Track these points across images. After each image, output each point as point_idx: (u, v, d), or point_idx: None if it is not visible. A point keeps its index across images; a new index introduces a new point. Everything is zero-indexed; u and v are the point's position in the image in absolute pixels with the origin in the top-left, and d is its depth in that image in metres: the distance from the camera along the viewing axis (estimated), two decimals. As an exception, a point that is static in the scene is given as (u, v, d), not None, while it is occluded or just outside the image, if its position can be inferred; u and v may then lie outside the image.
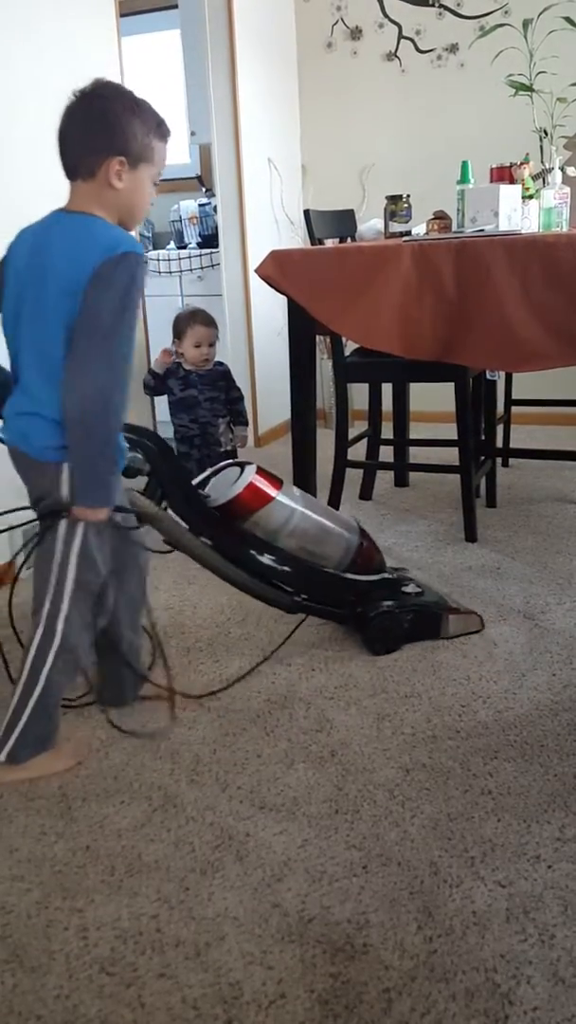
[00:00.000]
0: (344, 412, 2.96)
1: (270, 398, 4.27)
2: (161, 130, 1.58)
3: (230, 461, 2.08)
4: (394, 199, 2.73)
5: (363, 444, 3.30)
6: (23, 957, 1.27)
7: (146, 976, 1.23)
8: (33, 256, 1.55)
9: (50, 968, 1.25)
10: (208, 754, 1.75)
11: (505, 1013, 1.15)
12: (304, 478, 2.59)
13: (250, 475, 1.96)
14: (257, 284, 4.09)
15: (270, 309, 4.28)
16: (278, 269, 2.38)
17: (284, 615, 2.37)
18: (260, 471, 2.01)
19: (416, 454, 3.57)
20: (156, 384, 3.08)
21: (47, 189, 2.75)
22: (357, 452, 3.13)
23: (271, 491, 1.99)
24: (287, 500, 2.01)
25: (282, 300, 4.41)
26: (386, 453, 3.42)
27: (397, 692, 1.96)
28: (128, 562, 1.78)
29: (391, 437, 3.32)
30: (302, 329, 2.46)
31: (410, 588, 2.16)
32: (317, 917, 1.33)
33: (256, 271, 2.42)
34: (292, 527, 2.01)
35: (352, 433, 3.03)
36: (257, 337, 4.17)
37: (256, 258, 4.03)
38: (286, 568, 2.01)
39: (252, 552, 1.96)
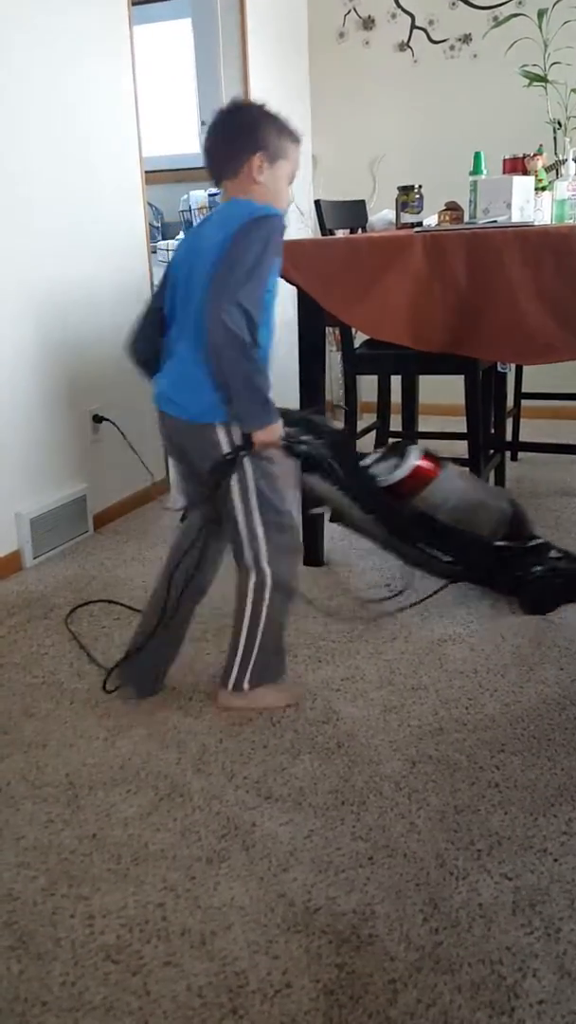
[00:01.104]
0: (353, 404, 2.95)
1: (279, 391, 4.25)
2: (293, 134, 1.76)
3: (396, 443, 2.19)
4: (405, 189, 2.71)
5: (371, 437, 3.29)
6: (29, 944, 1.27)
7: (152, 964, 1.23)
8: (190, 247, 1.75)
9: (56, 955, 1.25)
10: (214, 744, 1.75)
11: (511, 1005, 1.15)
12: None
13: (415, 458, 2.06)
14: (266, 275, 4.08)
15: (280, 300, 4.25)
16: (289, 260, 2.35)
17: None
18: (425, 453, 2.11)
19: (424, 447, 3.55)
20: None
21: (57, 179, 2.76)
22: (365, 445, 3.11)
23: (434, 470, 2.07)
24: (449, 478, 2.11)
25: (291, 291, 4.41)
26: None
27: (404, 684, 1.96)
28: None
29: (400, 430, 3.31)
30: (312, 320, 2.44)
31: (554, 553, 2.25)
32: (323, 907, 1.33)
33: (266, 261, 2.40)
34: (453, 502, 2.09)
35: (360, 426, 3.02)
36: (266, 328, 4.15)
37: (266, 249, 4.02)
38: (446, 539, 2.11)
39: (418, 527, 2.07)
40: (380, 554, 2.50)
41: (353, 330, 2.85)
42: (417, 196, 2.69)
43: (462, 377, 2.50)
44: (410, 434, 3.31)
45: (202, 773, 1.66)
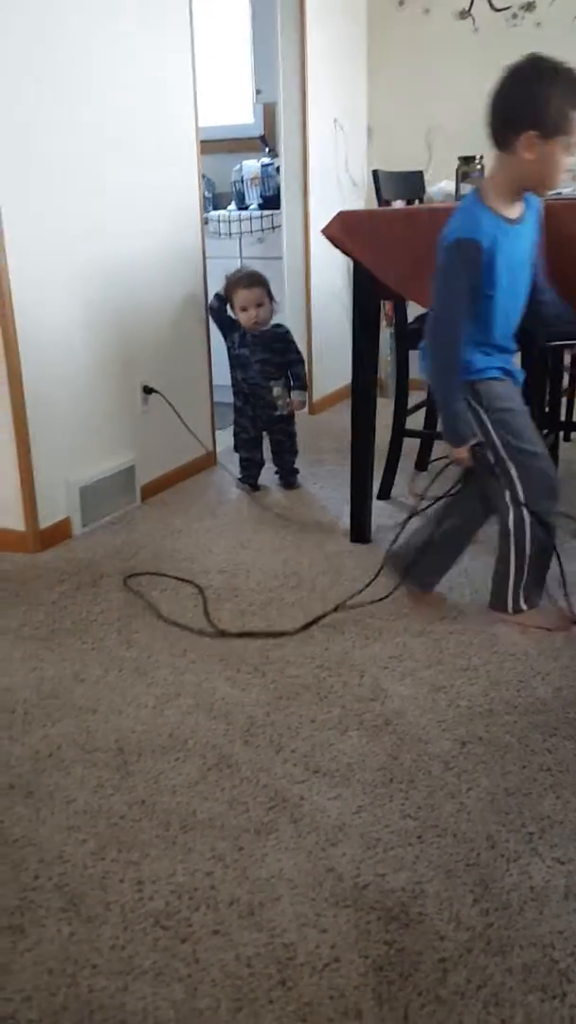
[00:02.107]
0: (404, 381, 2.91)
1: (326, 365, 4.22)
2: None
3: None
4: (467, 160, 2.64)
5: (420, 414, 3.24)
6: (79, 906, 1.28)
7: (200, 932, 1.24)
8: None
9: (106, 919, 1.26)
10: (262, 716, 1.75)
11: (563, 990, 1.13)
12: (363, 447, 2.55)
13: None
14: (317, 247, 4.02)
15: (330, 274, 4.21)
16: (345, 230, 2.31)
17: (337, 582, 2.35)
18: None
19: None
20: (218, 309, 3.05)
21: (114, 148, 2.74)
22: (414, 422, 3.07)
23: None
24: None
25: (342, 265, 4.37)
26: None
27: (453, 664, 1.94)
28: None
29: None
30: (367, 294, 2.40)
31: None
32: (372, 884, 1.32)
33: (322, 232, 2.36)
34: None
35: (409, 403, 2.98)
36: (315, 302, 4.11)
37: (318, 220, 3.96)
38: None
39: None
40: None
41: (407, 305, 2.81)
42: (478, 167, 2.62)
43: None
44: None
45: (250, 745, 1.66)
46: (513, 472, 1.96)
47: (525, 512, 1.98)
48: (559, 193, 2.26)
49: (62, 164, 2.53)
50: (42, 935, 1.23)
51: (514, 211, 1.84)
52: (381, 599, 2.19)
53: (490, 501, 2.06)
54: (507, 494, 1.98)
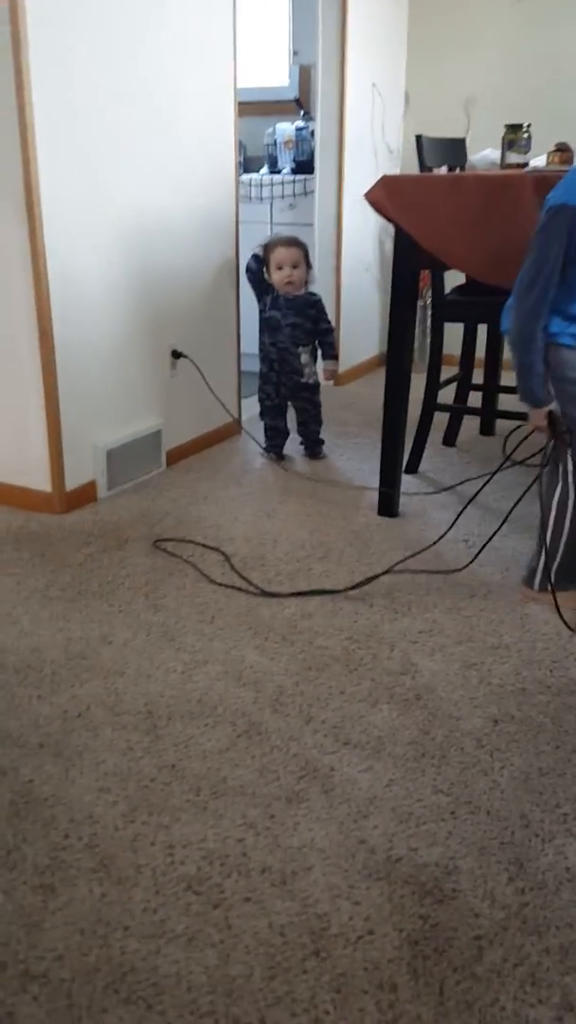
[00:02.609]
0: (438, 353, 2.86)
1: (354, 336, 4.17)
2: None
3: None
4: (513, 128, 2.57)
5: (450, 389, 3.19)
6: (110, 868, 1.27)
7: (232, 899, 1.22)
8: None
9: (137, 881, 1.25)
10: (291, 686, 1.73)
11: (602, 974, 1.11)
12: (396, 420, 2.51)
13: None
14: (350, 215, 3.95)
15: (361, 243, 4.14)
16: (388, 195, 2.26)
17: (365, 554, 2.33)
18: None
19: (504, 403, 3.45)
20: (256, 270, 3.00)
21: (151, 109, 2.67)
22: (444, 397, 3.03)
23: None
24: None
25: (374, 234, 4.29)
26: (473, 400, 3.31)
27: (484, 642, 1.91)
28: None
29: (481, 383, 3.21)
30: (407, 262, 2.34)
31: None
32: (404, 858, 1.30)
33: (365, 196, 2.30)
34: None
35: (441, 377, 2.93)
36: (346, 271, 4.04)
37: (352, 187, 3.89)
38: None
39: None
40: (454, 509, 2.44)
41: (444, 275, 2.75)
42: (525, 135, 2.55)
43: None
44: (492, 388, 3.21)
45: (279, 714, 1.64)
46: (568, 446, 1.93)
47: (572, 489, 1.95)
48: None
49: (101, 122, 2.47)
50: (73, 895, 1.22)
51: None
52: (452, 571, 2.16)
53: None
54: (559, 466, 1.97)
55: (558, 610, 1.98)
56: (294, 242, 2.94)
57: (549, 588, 2.02)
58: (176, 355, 2.95)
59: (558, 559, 2.03)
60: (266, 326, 3.02)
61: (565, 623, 1.97)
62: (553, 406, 1.92)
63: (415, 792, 1.44)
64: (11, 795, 1.42)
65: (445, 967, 1.12)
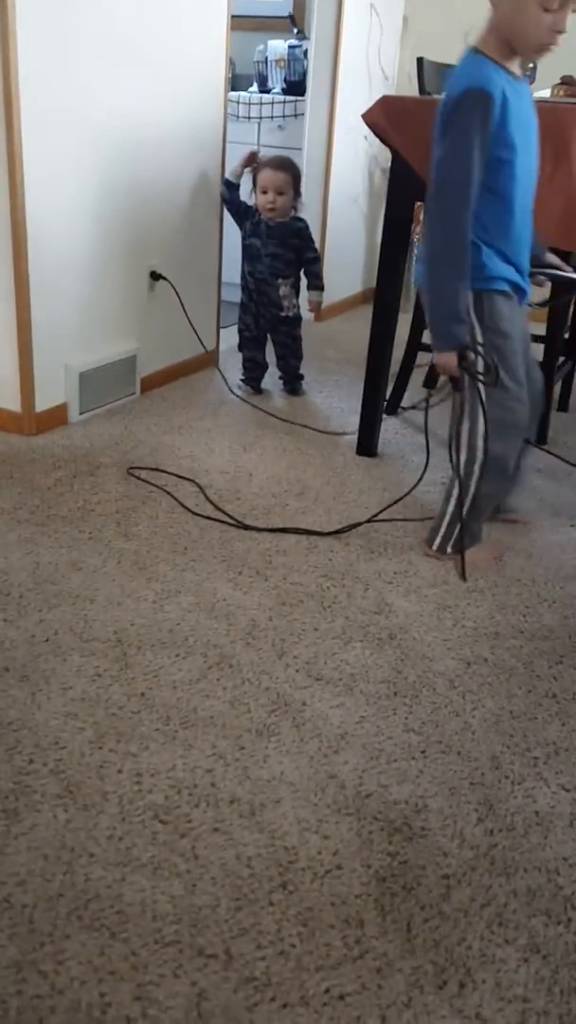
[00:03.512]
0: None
1: (337, 271, 4.06)
2: None
3: None
4: (519, 57, 2.47)
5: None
6: (76, 794, 1.24)
7: (200, 829, 1.20)
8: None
9: (103, 808, 1.22)
10: (264, 620, 1.70)
11: (568, 916, 1.12)
12: (380, 360, 2.44)
13: None
14: (341, 142, 3.82)
15: (351, 173, 4.01)
16: (387, 117, 2.15)
17: (343, 493, 2.29)
18: None
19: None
20: (230, 198, 2.90)
21: (141, 15, 2.51)
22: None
23: None
24: None
25: (364, 164, 4.15)
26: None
27: (459, 585, 1.89)
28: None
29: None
30: (403, 193, 2.25)
31: None
32: (374, 794, 1.29)
33: (363, 116, 2.20)
34: None
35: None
36: (333, 202, 3.92)
37: (344, 112, 3.75)
38: None
39: None
40: (433, 450, 2.41)
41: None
42: (531, 65, 2.44)
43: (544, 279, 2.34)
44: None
45: (251, 647, 1.61)
46: (483, 407, 1.77)
47: (481, 454, 1.81)
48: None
49: (84, 28, 2.32)
50: (37, 820, 1.19)
51: (515, 67, 1.66)
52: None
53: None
54: (466, 428, 1.80)
55: (462, 572, 1.92)
56: (283, 165, 2.81)
57: (447, 552, 1.96)
58: (155, 277, 2.85)
59: (459, 527, 1.92)
60: (246, 254, 2.91)
61: (462, 575, 1.92)
62: (470, 347, 1.72)
63: (386, 730, 1.43)
64: (-26, 718, 1.38)
65: (413, 904, 1.12)
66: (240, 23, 4.01)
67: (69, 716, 1.39)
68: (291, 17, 4.24)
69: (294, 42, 4.10)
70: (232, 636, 1.64)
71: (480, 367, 1.73)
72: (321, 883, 1.14)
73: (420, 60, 2.61)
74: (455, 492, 1.89)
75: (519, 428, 1.85)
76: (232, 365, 3.18)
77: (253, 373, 3.05)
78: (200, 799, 1.26)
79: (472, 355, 1.71)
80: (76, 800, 1.23)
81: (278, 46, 4.12)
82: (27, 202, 2.27)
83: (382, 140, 2.22)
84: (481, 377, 1.73)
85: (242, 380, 3.07)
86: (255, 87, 4.24)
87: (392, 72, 4.09)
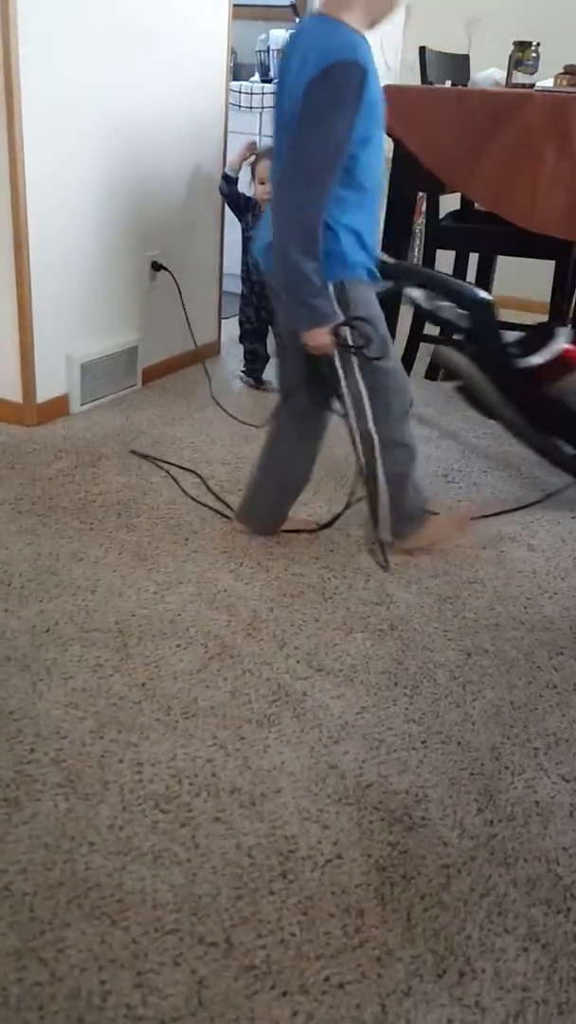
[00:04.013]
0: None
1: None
2: None
3: (542, 324, 2.08)
4: (522, 46, 2.45)
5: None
6: (76, 783, 1.24)
7: (200, 818, 1.21)
8: (281, 71, 1.55)
9: (104, 798, 1.23)
10: (265, 611, 1.70)
11: (568, 906, 1.12)
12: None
13: (563, 341, 1.93)
14: (343, 133, 3.79)
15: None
16: (390, 107, 2.14)
17: (344, 485, 2.29)
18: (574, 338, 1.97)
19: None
20: (229, 192, 2.89)
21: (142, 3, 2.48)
22: (433, 328, 2.95)
23: None
24: None
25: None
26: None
27: (460, 577, 1.89)
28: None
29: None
30: (405, 183, 2.25)
31: None
32: (375, 784, 1.29)
33: (364, 107, 2.19)
34: None
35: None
36: (335, 193, 3.90)
37: (347, 104, 3.72)
38: None
39: (552, 414, 1.97)
40: (436, 443, 2.40)
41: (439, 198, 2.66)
42: (534, 55, 2.44)
43: (541, 271, 2.33)
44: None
45: (252, 638, 1.61)
46: (364, 392, 1.69)
47: (376, 439, 1.74)
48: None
49: (86, 18, 2.30)
50: (38, 809, 1.20)
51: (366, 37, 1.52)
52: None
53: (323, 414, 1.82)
54: (353, 416, 1.72)
55: (383, 561, 1.87)
56: None
57: (397, 536, 1.88)
58: (156, 267, 2.84)
59: (386, 511, 1.84)
60: (247, 247, 2.90)
61: (382, 564, 1.87)
62: (340, 320, 1.61)
63: (387, 720, 1.43)
64: (-25, 707, 1.38)
65: (412, 894, 1.12)
66: (242, 12, 3.98)
67: (70, 706, 1.39)
68: (293, 6, 4.21)
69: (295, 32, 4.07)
70: (233, 627, 1.64)
71: (352, 340, 1.63)
72: (321, 872, 1.14)
73: (423, 50, 2.60)
74: (367, 484, 1.82)
75: (406, 406, 1.79)
76: (233, 356, 3.17)
77: (254, 365, 3.05)
78: (201, 789, 1.26)
79: (345, 329, 1.62)
80: (77, 789, 1.24)
81: (280, 35, 4.10)
82: (28, 193, 2.27)
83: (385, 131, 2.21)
84: (363, 350, 1.64)
85: (243, 372, 3.06)
86: (257, 77, 4.21)
87: (395, 62, 4.06)
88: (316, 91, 1.44)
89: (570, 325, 2.80)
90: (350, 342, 1.63)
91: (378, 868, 1.16)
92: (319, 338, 1.61)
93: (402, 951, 1.04)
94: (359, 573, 1.87)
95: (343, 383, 1.69)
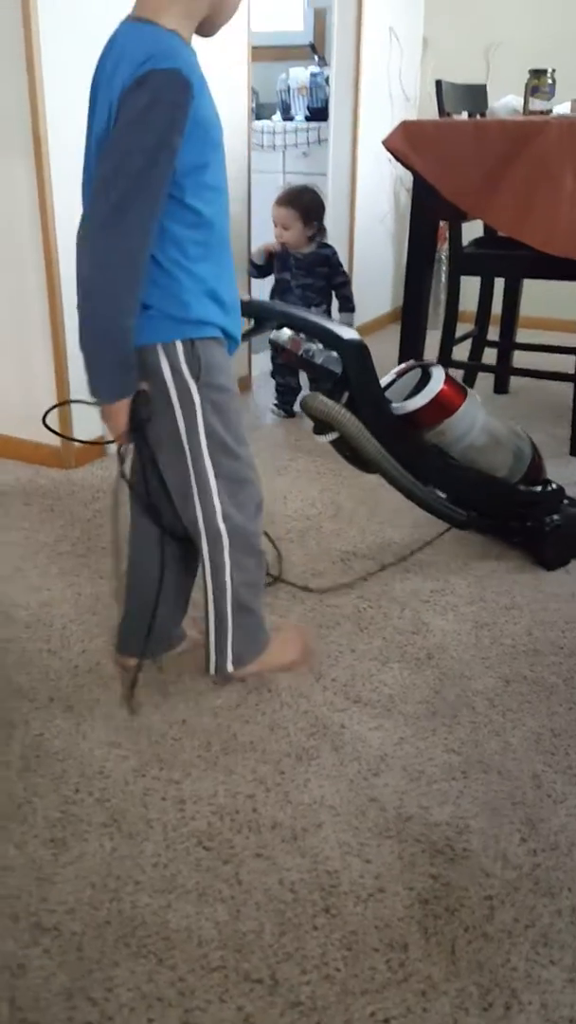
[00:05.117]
0: (454, 307, 2.80)
1: (366, 290, 4.08)
2: None
3: (413, 363, 1.88)
4: (538, 73, 2.48)
5: (465, 345, 3.13)
6: (121, 822, 1.27)
7: (243, 854, 1.22)
8: (92, 85, 1.29)
9: (148, 836, 1.25)
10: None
11: (614, 935, 1.11)
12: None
13: (440, 382, 1.76)
14: (365, 164, 3.85)
15: (376, 193, 4.04)
16: (408, 142, 2.19)
17: (376, 513, 2.30)
18: (448, 376, 1.82)
19: (519, 360, 3.39)
20: (261, 274, 2.97)
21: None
22: (459, 353, 2.97)
23: (459, 398, 1.80)
24: (470, 409, 1.82)
25: (389, 185, 4.18)
26: (488, 357, 3.25)
27: (496, 603, 1.89)
28: None
29: (496, 340, 3.15)
30: (426, 213, 2.28)
31: (567, 500, 2.04)
32: (415, 816, 1.30)
33: (384, 143, 2.24)
34: (472, 437, 1.84)
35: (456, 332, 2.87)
36: (360, 223, 3.95)
37: (367, 135, 3.79)
38: (461, 479, 1.88)
39: (430, 463, 1.83)
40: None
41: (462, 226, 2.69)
42: (550, 81, 2.47)
43: (568, 290, 2.34)
44: (509, 345, 3.15)
45: (289, 671, 1.63)
46: (212, 480, 1.40)
47: (225, 534, 1.43)
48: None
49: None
50: (84, 849, 1.22)
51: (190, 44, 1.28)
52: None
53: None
54: (198, 511, 1.42)
55: (130, 699, 1.53)
56: (288, 200, 2.82)
57: (244, 664, 1.54)
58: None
59: (233, 628, 1.51)
60: (277, 288, 2.95)
61: (130, 706, 1.52)
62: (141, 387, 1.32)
63: (426, 751, 1.43)
64: (22, 749, 1.41)
65: (456, 926, 1.12)
66: (261, 53, 4.08)
67: (113, 745, 1.42)
68: (311, 45, 4.31)
69: (315, 70, 4.16)
70: (270, 661, 1.66)
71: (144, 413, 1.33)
72: (364, 906, 1.15)
73: (439, 83, 2.64)
74: (210, 593, 1.48)
75: (255, 498, 1.49)
76: (265, 390, 3.21)
77: (286, 398, 3.09)
78: (242, 825, 1.27)
79: (146, 400, 1.32)
80: (121, 828, 1.26)
81: (300, 74, 4.19)
82: (58, 237, 2.34)
83: (404, 164, 2.26)
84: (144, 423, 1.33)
85: (275, 404, 3.10)
86: (279, 115, 4.30)
87: (414, 93, 4.13)
88: (127, 105, 1.17)
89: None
90: (142, 415, 1.32)
91: (421, 901, 1.16)
92: (118, 413, 1.31)
93: (447, 984, 1.04)
94: (394, 602, 1.88)
95: (188, 465, 1.39)
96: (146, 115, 1.16)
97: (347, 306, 2.97)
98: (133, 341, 1.26)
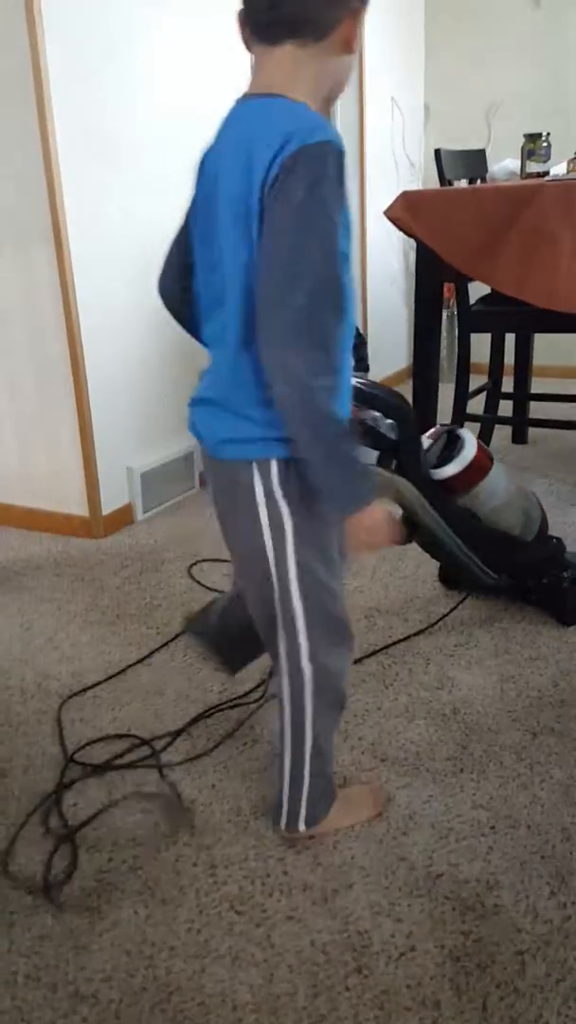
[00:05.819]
0: (465, 363, 2.86)
1: (381, 348, 4.18)
2: None
3: (442, 428, 1.85)
4: (532, 137, 2.58)
5: (480, 398, 3.19)
6: (155, 889, 1.29)
7: (275, 917, 1.24)
8: (209, 175, 1.15)
9: (181, 902, 1.27)
10: (328, 703, 1.74)
11: None
12: (423, 430, 2.52)
13: (473, 447, 1.76)
14: (374, 230, 3.98)
15: (386, 255, 4.16)
16: (409, 211, 2.28)
17: (401, 568, 2.34)
18: (479, 442, 1.83)
19: (536, 410, 3.44)
20: None
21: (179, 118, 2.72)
22: (474, 406, 3.02)
23: (489, 461, 1.82)
24: (499, 470, 1.85)
25: (398, 247, 4.31)
26: (503, 409, 3.30)
27: (521, 655, 1.91)
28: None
29: (511, 391, 3.20)
30: (431, 276, 2.37)
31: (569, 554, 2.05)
32: (445, 874, 1.31)
33: (385, 213, 2.33)
34: (499, 500, 1.85)
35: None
36: (371, 283, 4.07)
37: (374, 201, 3.92)
38: (491, 540, 1.87)
39: (463, 526, 1.81)
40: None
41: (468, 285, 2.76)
42: (544, 144, 2.56)
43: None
44: (523, 396, 3.20)
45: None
46: (300, 616, 1.23)
47: (309, 673, 1.26)
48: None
49: (123, 149, 2.53)
50: (119, 916, 1.25)
51: None
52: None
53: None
54: (283, 647, 1.26)
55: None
56: None
57: (316, 821, 1.37)
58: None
59: (311, 781, 1.34)
60: None
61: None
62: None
63: (454, 808, 1.45)
64: (58, 819, 1.45)
65: (488, 983, 1.13)
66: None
67: (145, 812, 1.45)
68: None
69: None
70: (297, 721, 1.68)
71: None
72: (396, 966, 1.16)
73: (438, 152, 2.75)
74: (288, 739, 1.31)
75: (345, 628, 1.31)
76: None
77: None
78: (273, 888, 1.29)
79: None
80: (155, 895, 1.28)
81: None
82: (80, 315, 2.45)
83: (405, 232, 2.34)
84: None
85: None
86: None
87: (418, 159, 4.27)
88: (282, 198, 1.00)
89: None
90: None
91: (452, 958, 1.16)
92: (375, 521, 1.13)
93: (481, 1044, 1.05)
94: (418, 657, 1.90)
95: (275, 596, 1.23)
96: (310, 201, 0.99)
97: (361, 365, 3.06)
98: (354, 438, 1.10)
